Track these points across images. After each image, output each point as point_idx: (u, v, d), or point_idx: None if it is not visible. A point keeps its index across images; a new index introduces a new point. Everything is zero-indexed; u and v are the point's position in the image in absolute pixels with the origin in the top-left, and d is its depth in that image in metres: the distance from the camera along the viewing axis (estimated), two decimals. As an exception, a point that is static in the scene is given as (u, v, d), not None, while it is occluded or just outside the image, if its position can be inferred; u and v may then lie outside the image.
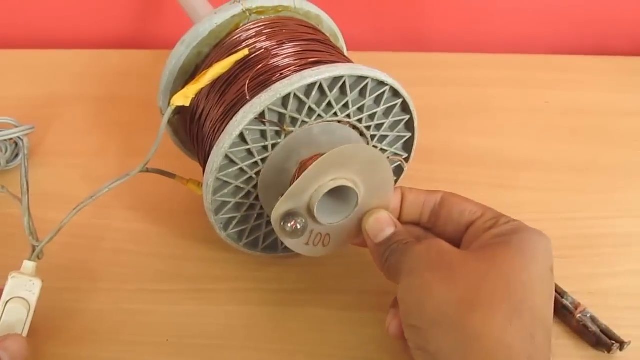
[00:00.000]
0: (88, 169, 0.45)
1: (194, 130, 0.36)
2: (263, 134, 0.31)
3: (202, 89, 0.33)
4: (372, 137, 0.35)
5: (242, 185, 0.33)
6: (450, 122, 0.49)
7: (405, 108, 0.35)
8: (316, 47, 0.34)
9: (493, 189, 0.43)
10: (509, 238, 0.27)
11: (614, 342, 0.33)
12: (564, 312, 0.35)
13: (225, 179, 0.32)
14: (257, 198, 0.34)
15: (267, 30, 0.34)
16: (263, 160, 0.32)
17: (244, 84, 0.32)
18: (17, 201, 0.37)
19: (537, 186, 0.44)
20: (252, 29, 0.34)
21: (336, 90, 0.31)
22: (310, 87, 0.30)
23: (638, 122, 0.50)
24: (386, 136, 0.35)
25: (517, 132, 0.49)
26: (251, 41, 0.34)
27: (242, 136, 0.31)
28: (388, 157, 0.36)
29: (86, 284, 0.38)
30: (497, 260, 0.26)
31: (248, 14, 0.34)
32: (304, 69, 0.31)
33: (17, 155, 0.44)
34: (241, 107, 0.31)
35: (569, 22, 0.59)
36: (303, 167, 0.31)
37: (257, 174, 0.33)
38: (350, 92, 0.32)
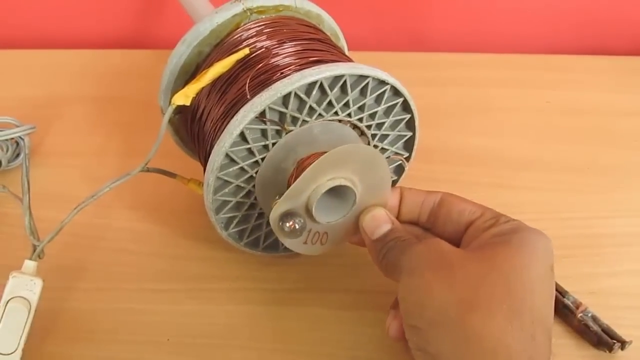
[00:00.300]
0: (89, 168, 0.45)
1: (194, 130, 0.36)
2: (264, 133, 0.31)
3: (202, 88, 0.33)
4: (373, 136, 0.35)
5: (242, 185, 0.33)
6: (451, 122, 0.49)
7: (406, 107, 0.35)
8: (317, 47, 0.34)
9: (493, 189, 0.43)
10: (509, 237, 0.27)
11: (615, 341, 0.33)
12: (565, 311, 0.35)
13: (225, 178, 0.32)
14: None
15: (268, 30, 0.34)
16: (264, 159, 0.32)
17: (245, 83, 0.32)
18: (18, 201, 0.37)
19: (537, 186, 0.44)
20: (252, 28, 0.34)
21: (337, 89, 0.31)
22: (311, 86, 0.30)
23: (639, 122, 0.50)
24: (387, 135, 0.35)
25: (517, 132, 0.49)
26: (252, 40, 0.34)
27: (242, 135, 0.31)
28: (389, 157, 0.36)
29: (87, 284, 0.38)
30: (497, 260, 0.26)
31: (249, 13, 0.35)
32: (304, 68, 0.31)
33: (18, 155, 0.44)
34: (242, 106, 0.31)
35: (570, 22, 0.58)
36: (301, 166, 0.31)
37: (258, 172, 0.33)
38: (351, 91, 0.32)
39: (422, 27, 0.59)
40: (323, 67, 0.31)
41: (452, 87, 0.53)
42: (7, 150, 0.43)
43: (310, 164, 0.29)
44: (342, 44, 0.41)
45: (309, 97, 0.31)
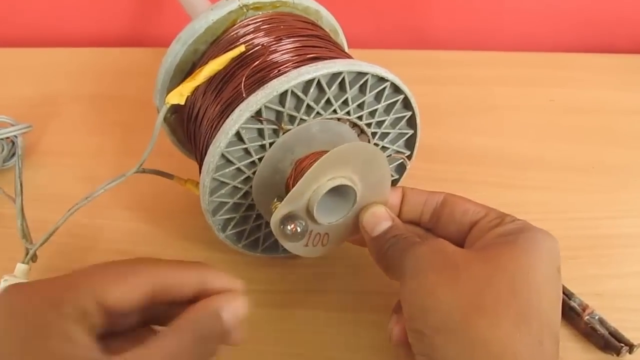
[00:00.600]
0: (85, 168, 0.45)
1: (190, 130, 0.35)
2: (260, 132, 0.31)
3: (198, 86, 0.32)
4: (373, 134, 0.34)
5: (239, 186, 0.32)
6: (453, 120, 0.49)
7: (406, 104, 0.34)
8: (315, 43, 0.34)
9: (497, 189, 0.43)
10: (515, 237, 0.27)
11: (622, 344, 0.32)
12: (571, 314, 0.34)
13: (222, 179, 0.31)
14: (255, 198, 0.33)
15: (265, 26, 0.34)
16: (261, 159, 0.31)
17: (241, 82, 0.31)
18: (12, 201, 0.36)
19: (541, 185, 0.43)
20: (249, 25, 0.34)
21: (335, 86, 0.30)
22: (309, 83, 0.30)
23: (645, 120, 0.49)
24: (387, 133, 0.35)
25: (520, 130, 0.48)
26: (248, 37, 0.33)
27: (238, 135, 0.30)
28: (390, 155, 0.36)
29: None
30: (502, 261, 0.26)
31: (245, 10, 0.34)
32: (302, 66, 0.30)
33: (13, 154, 0.44)
34: (238, 105, 0.30)
35: (574, 20, 0.58)
36: (299, 167, 0.31)
37: (255, 173, 0.32)
38: (350, 89, 0.31)
39: (423, 24, 0.59)
40: (320, 64, 0.30)
41: (454, 85, 0.52)
42: (2, 150, 0.43)
43: (309, 165, 0.28)
44: (342, 40, 0.40)
45: (306, 95, 0.30)
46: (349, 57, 0.34)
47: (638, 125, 0.49)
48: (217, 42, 0.34)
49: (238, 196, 0.33)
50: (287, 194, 0.29)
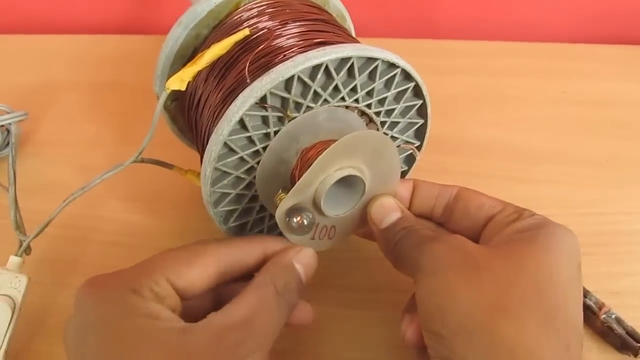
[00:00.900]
0: (83, 158, 0.44)
1: (192, 117, 0.34)
2: (265, 120, 0.29)
3: (199, 72, 0.31)
4: (382, 123, 0.33)
5: (242, 176, 0.31)
6: (463, 112, 0.48)
7: (417, 93, 0.33)
8: (322, 27, 0.32)
9: (508, 182, 0.42)
10: (534, 233, 0.25)
11: (641, 345, 0.31)
12: (587, 313, 0.33)
13: (224, 169, 0.30)
14: (258, 189, 0.32)
15: (270, 10, 0.32)
16: (265, 148, 0.30)
17: (245, 67, 0.30)
18: (5, 191, 0.35)
19: (554, 180, 0.42)
20: (253, 8, 0.32)
21: (343, 72, 0.29)
22: (316, 69, 0.28)
23: (661, 113, 0.48)
24: (397, 123, 0.33)
25: (533, 123, 0.47)
26: (253, 21, 0.32)
27: (242, 123, 0.29)
28: (399, 146, 0.34)
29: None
30: (524, 259, 0.24)
31: (249, -8, 0.32)
32: (308, 50, 0.29)
33: (9, 143, 0.42)
34: (241, 91, 0.29)
35: (588, 9, 0.57)
36: (305, 157, 0.29)
37: (259, 163, 0.31)
38: (359, 75, 0.30)
39: (433, 13, 0.57)
40: (329, 48, 0.29)
41: (464, 76, 0.51)
42: (-3, 138, 0.41)
43: (316, 155, 0.27)
44: (349, 25, 0.39)
45: (313, 81, 0.28)
46: (357, 42, 0.33)
47: (653, 118, 0.47)
48: (220, 26, 0.33)
49: (241, 187, 0.31)
50: (292, 185, 0.28)
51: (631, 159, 0.44)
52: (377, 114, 0.32)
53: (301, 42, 0.31)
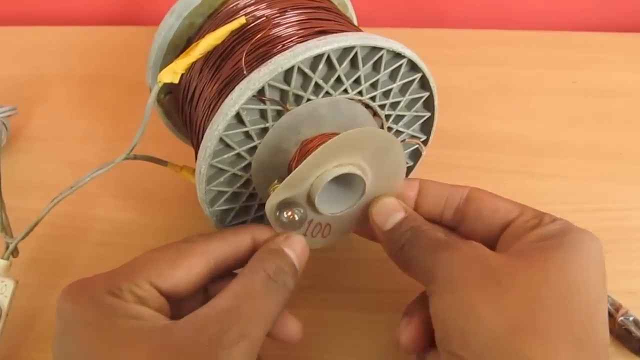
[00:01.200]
0: (73, 154, 0.43)
1: (186, 112, 0.33)
2: (263, 114, 0.28)
3: (193, 63, 0.30)
4: (387, 117, 0.31)
5: (239, 173, 0.29)
6: (470, 104, 0.46)
7: (424, 84, 0.31)
8: (323, 16, 0.31)
9: (517, 177, 0.41)
10: (559, 241, 0.24)
11: (661, 349, 0.30)
12: (603, 315, 0.31)
13: (220, 165, 0.28)
14: (257, 187, 0.31)
15: (268, -3, 0.31)
16: (263, 144, 0.29)
17: (241, 58, 0.28)
18: (-8, 190, 0.33)
19: (565, 173, 0.41)
20: (250, -5, 0.31)
21: (346, 63, 0.28)
22: (317, 59, 0.27)
23: (675, 103, 0.47)
24: (402, 116, 0.32)
25: (542, 114, 0.46)
26: (250, 9, 0.31)
27: (238, 117, 0.27)
28: (404, 140, 0.33)
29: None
30: (550, 271, 0.22)
31: (246, -21, 0.31)
32: (309, 39, 0.27)
33: (-2, 139, 0.41)
34: (238, 83, 0.27)
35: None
36: (304, 148, 0.28)
37: (255, 153, 0.29)
38: (363, 66, 0.28)
39: (437, 0, 0.56)
40: (330, 37, 0.27)
41: (471, 66, 0.50)
42: (-17, 135, 0.40)
43: (316, 147, 0.25)
44: (351, 13, 0.37)
45: (314, 72, 0.27)
46: (360, 31, 0.31)
47: (668, 108, 0.46)
48: (215, 14, 0.32)
49: (238, 184, 0.30)
50: (288, 178, 0.26)
51: (646, 151, 0.42)
52: (382, 107, 0.30)
53: (301, 31, 0.29)
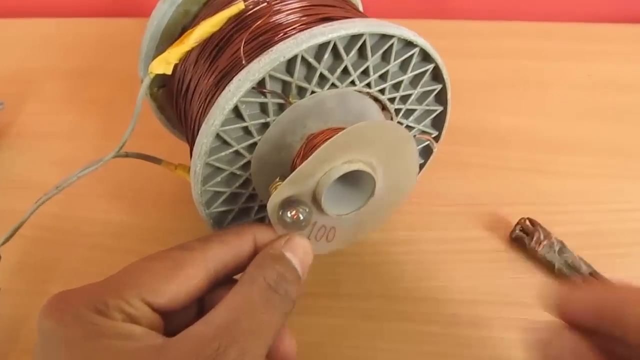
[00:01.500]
0: (63, 152, 0.41)
1: (180, 106, 0.31)
2: (263, 107, 0.26)
3: (187, 53, 0.28)
4: (397, 111, 0.29)
5: (238, 172, 0.27)
6: (479, 98, 0.45)
7: (436, 76, 0.30)
8: (328, 2, 0.29)
9: (530, 175, 0.39)
10: None
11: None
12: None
13: (217, 164, 0.27)
14: (257, 186, 0.29)
15: (268, -19, 0.28)
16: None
17: (240, 47, 0.26)
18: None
19: (580, 172, 0.40)
20: (249, -21, 0.29)
21: (354, 52, 0.26)
22: (322, 48, 0.25)
23: (695, 97, 0.46)
24: (413, 110, 0.30)
25: (555, 109, 0.44)
26: (249, -6, 0.28)
27: (237, 111, 0.25)
28: (415, 136, 0.31)
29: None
30: None
31: (244, -37, 0.29)
32: (313, 27, 0.25)
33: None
34: (236, 74, 0.25)
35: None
36: (310, 143, 0.26)
37: (255, 148, 0.27)
38: (372, 56, 0.26)
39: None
40: (337, 24, 0.25)
41: (481, 59, 0.49)
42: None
43: (323, 142, 0.24)
44: (357, 1, 0.35)
45: (319, 62, 0.25)
46: (367, 17, 0.29)
47: (687, 103, 0.45)
48: (211, 1, 0.30)
49: (236, 185, 0.28)
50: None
51: (664, 147, 0.41)
52: (391, 100, 0.29)
53: (304, 18, 0.27)
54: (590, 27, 0.52)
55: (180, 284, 0.22)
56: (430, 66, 0.28)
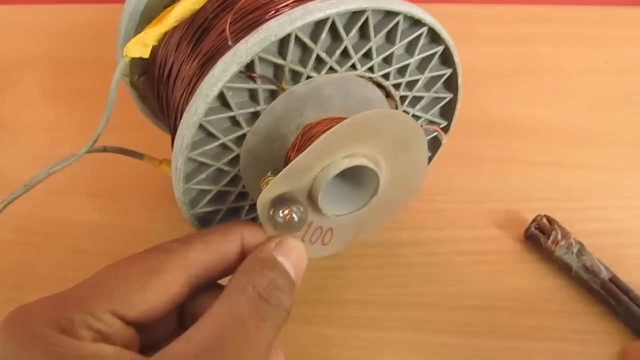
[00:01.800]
0: (43, 147, 0.39)
1: (162, 94, 0.29)
2: (253, 94, 0.23)
3: (167, 34, 0.25)
4: (402, 98, 0.27)
5: (225, 168, 0.25)
6: (492, 86, 0.43)
7: (446, 59, 0.27)
8: (326, -24, 0.26)
9: (548, 169, 0.37)
10: None
11: None
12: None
13: (201, 159, 0.24)
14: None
15: (257, -46, 0.26)
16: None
17: (226, 27, 0.24)
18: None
19: (602, 164, 0.38)
20: (236, -48, 0.26)
21: (355, 32, 0.23)
22: (319, 26, 0.23)
23: None
24: (420, 98, 0.28)
25: (571, 97, 0.42)
26: (236, -31, 0.26)
27: (222, 98, 0.23)
28: (422, 126, 0.29)
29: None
30: None
31: None
32: (309, 1, 0.23)
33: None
34: (221, 57, 0.22)
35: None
36: (307, 134, 0.24)
37: (244, 144, 0.25)
38: (375, 36, 0.24)
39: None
40: (335, -1, 0.22)
41: (491, 44, 0.47)
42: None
43: (321, 133, 0.22)
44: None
45: (315, 42, 0.23)
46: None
47: None
48: None
49: (224, 182, 0.26)
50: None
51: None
52: (396, 86, 0.26)
53: (297, -5, 0.24)
54: (607, 10, 0.50)
55: (158, 292, 0.20)
56: (440, 48, 0.26)
